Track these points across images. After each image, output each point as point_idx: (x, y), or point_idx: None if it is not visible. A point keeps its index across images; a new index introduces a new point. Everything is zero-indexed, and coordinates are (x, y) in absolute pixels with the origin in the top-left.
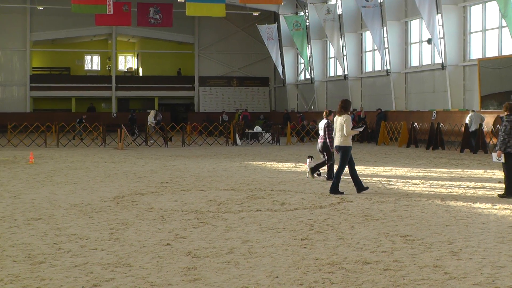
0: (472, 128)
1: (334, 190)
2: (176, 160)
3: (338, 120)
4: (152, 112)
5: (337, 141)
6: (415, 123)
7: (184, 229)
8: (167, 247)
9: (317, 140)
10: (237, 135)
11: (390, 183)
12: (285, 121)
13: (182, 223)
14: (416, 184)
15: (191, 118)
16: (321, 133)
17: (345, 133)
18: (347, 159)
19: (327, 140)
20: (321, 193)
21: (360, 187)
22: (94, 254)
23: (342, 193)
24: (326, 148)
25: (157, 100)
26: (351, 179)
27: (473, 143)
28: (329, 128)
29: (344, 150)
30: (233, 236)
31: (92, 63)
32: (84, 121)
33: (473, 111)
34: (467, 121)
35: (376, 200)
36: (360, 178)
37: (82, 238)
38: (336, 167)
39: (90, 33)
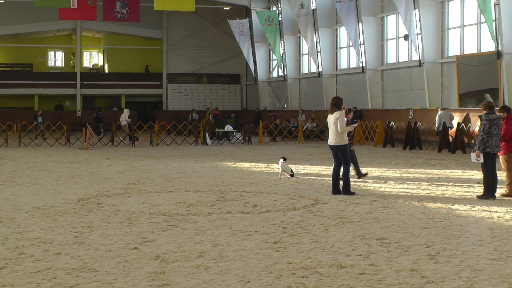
0: (440, 128)
1: (346, 190)
2: (143, 160)
3: (331, 118)
4: (126, 111)
5: (332, 141)
6: (392, 122)
7: (152, 232)
8: (134, 251)
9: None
10: (207, 134)
11: (365, 184)
12: (257, 120)
13: (150, 226)
14: (392, 185)
15: (159, 116)
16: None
17: (339, 130)
18: (349, 156)
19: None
20: (294, 195)
21: (336, 189)
22: (58, 258)
23: (354, 193)
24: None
25: (124, 98)
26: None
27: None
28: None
29: (342, 149)
30: (203, 240)
31: (56, 59)
32: (40, 118)
33: (442, 109)
34: (436, 121)
35: (352, 201)
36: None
37: (45, 242)
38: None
39: (53, 28)
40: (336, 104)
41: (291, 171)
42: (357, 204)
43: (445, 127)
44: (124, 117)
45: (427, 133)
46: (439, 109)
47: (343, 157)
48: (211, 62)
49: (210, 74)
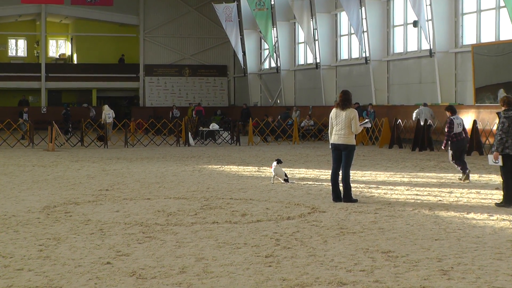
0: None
1: (348, 197)
2: (117, 163)
3: (343, 115)
4: (106, 107)
5: (342, 139)
6: (399, 120)
7: (127, 245)
8: (107, 266)
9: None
10: (189, 133)
11: (369, 190)
12: (244, 118)
13: (124, 238)
14: (400, 191)
15: (135, 113)
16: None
17: (353, 130)
18: (352, 159)
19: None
20: (288, 202)
21: (337, 195)
22: (19, 275)
23: (356, 200)
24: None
25: (95, 93)
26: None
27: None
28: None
29: (350, 150)
30: (185, 253)
31: (18, 48)
32: (26, 115)
33: (424, 104)
34: (413, 116)
35: (353, 210)
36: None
37: (5, 257)
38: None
39: (14, 13)
40: (349, 99)
41: (285, 175)
42: (359, 212)
43: (420, 124)
44: (106, 114)
45: (439, 132)
46: (420, 105)
47: (348, 159)
48: (194, 52)
49: (193, 66)
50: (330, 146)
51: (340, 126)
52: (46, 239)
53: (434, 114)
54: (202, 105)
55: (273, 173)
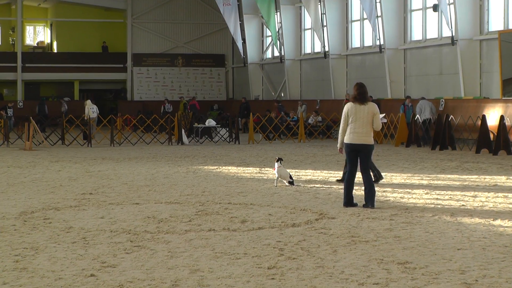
0: (421, 118)
1: (373, 201)
2: (102, 164)
3: (365, 110)
4: (89, 102)
5: (362, 139)
6: (417, 116)
7: (113, 255)
8: (90, 279)
9: None
10: (183, 131)
11: (384, 194)
12: (243, 113)
13: (110, 248)
14: (418, 195)
15: (122, 108)
16: None
17: (375, 126)
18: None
19: None
20: (293, 207)
21: (350, 200)
22: None
23: (356, 204)
24: None
25: (77, 85)
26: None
27: (425, 136)
28: None
29: (370, 150)
30: (178, 264)
31: None
32: (10, 110)
33: (423, 98)
34: (417, 111)
35: (366, 216)
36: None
37: None
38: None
39: None
40: (367, 92)
41: (290, 177)
42: (373, 219)
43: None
44: (95, 109)
45: (461, 129)
46: (419, 99)
47: (368, 160)
48: (188, 40)
49: (187, 55)
50: (340, 147)
51: (361, 123)
52: (22, 249)
53: (434, 108)
54: (196, 99)
55: (276, 175)
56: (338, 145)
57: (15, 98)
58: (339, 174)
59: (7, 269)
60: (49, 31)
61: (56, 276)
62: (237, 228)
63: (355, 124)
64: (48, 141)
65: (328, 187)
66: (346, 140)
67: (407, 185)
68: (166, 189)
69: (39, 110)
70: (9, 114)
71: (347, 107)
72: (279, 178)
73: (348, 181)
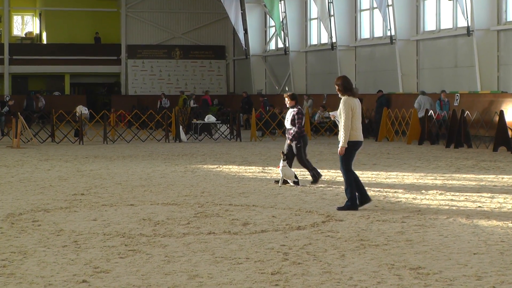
0: (421, 114)
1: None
2: (94, 162)
3: (359, 104)
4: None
5: (362, 135)
6: (430, 111)
7: (106, 260)
8: (82, 285)
9: None
10: (181, 127)
11: (395, 194)
12: (245, 108)
13: (104, 252)
14: (431, 195)
15: (116, 103)
16: None
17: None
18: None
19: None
20: (299, 209)
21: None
22: None
23: (369, 199)
24: None
25: (68, 78)
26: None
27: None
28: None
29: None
30: (175, 270)
31: None
32: (8, 106)
33: (422, 93)
34: (416, 106)
35: (376, 218)
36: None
37: None
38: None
39: None
40: (345, 85)
41: (295, 176)
42: (383, 221)
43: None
44: (81, 108)
45: (478, 125)
46: (419, 94)
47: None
48: (185, 30)
49: (185, 46)
50: (346, 145)
51: (358, 118)
52: (10, 253)
53: (434, 105)
54: (209, 93)
55: (281, 174)
56: (344, 144)
57: (2, 93)
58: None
59: None
60: (38, 21)
61: (46, 282)
62: (238, 231)
63: (357, 120)
64: (37, 138)
65: (336, 188)
66: (353, 138)
67: (420, 185)
68: (163, 190)
69: (27, 105)
70: (3, 111)
71: (350, 101)
72: (283, 178)
73: (358, 181)
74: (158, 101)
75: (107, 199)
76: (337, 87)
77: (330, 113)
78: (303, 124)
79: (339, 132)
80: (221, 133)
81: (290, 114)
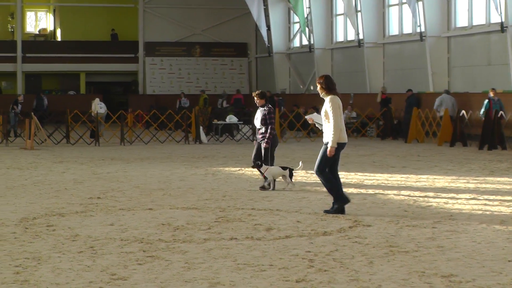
0: (441, 113)
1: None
2: (111, 165)
3: (341, 103)
4: (97, 100)
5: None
6: (462, 111)
7: (124, 267)
8: None
9: None
10: (201, 128)
11: (425, 198)
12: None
13: (121, 258)
14: (464, 200)
15: (133, 103)
16: None
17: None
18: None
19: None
20: (324, 213)
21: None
22: None
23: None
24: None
25: (84, 77)
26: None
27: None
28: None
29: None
30: (195, 277)
31: None
32: (19, 105)
33: (446, 92)
34: (435, 105)
35: (406, 223)
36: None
37: None
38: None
39: None
40: (328, 84)
41: (289, 170)
42: (413, 227)
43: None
44: (96, 107)
45: None
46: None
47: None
48: (206, 26)
49: (205, 43)
50: (334, 146)
51: (343, 119)
52: (23, 259)
53: (456, 104)
54: (240, 92)
55: (269, 178)
56: (335, 145)
57: (15, 92)
58: (375, 177)
59: (6, 282)
60: (52, 17)
61: None
62: (261, 236)
63: (342, 121)
64: (51, 139)
65: (364, 192)
66: (341, 140)
67: (452, 189)
68: (182, 193)
69: (37, 104)
70: (17, 111)
71: (337, 100)
72: (274, 180)
73: (338, 180)
74: (177, 101)
75: (124, 203)
76: (319, 86)
77: (306, 116)
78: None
79: (325, 134)
80: (243, 134)
81: (260, 113)
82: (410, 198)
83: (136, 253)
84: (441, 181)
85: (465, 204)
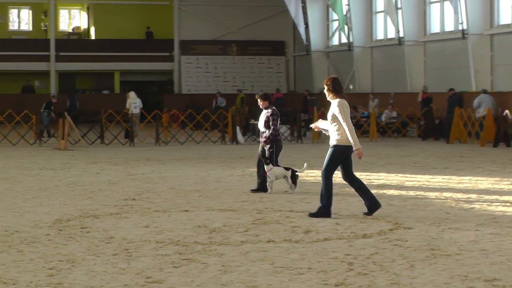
0: (481, 113)
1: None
2: (146, 166)
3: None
4: (132, 95)
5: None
6: (506, 111)
7: (159, 270)
8: None
9: None
10: (238, 128)
11: (467, 200)
12: (306, 108)
13: (156, 261)
14: (508, 202)
15: (168, 102)
16: None
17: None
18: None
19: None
20: (364, 216)
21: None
22: None
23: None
24: None
25: (118, 76)
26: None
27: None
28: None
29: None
30: (232, 280)
31: (20, 20)
32: (52, 107)
33: (484, 91)
34: (474, 105)
35: (448, 226)
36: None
37: (7, 283)
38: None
39: None
40: (334, 86)
41: (292, 170)
42: (455, 229)
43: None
44: (138, 103)
45: None
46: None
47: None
48: (242, 25)
49: (242, 42)
50: (359, 147)
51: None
52: (57, 262)
53: (496, 104)
54: (280, 91)
55: (270, 178)
56: (359, 146)
57: (48, 91)
58: (416, 178)
59: (40, 284)
60: (85, 15)
61: None
62: (300, 239)
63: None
64: (85, 140)
65: (405, 193)
66: (348, 142)
67: (495, 190)
68: (219, 195)
69: (70, 104)
70: (53, 116)
71: (346, 103)
72: (276, 180)
73: (363, 187)
74: (214, 100)
75: (159, 205)
76: (326, 88)
77: (312, 125)
78: (277, 126)
79: (331, 137)
80: (281, 134)
81: (264, 115)
82: (452, 200)
83: (172, 256)
84: (484, 182)
85: (509, 206)
